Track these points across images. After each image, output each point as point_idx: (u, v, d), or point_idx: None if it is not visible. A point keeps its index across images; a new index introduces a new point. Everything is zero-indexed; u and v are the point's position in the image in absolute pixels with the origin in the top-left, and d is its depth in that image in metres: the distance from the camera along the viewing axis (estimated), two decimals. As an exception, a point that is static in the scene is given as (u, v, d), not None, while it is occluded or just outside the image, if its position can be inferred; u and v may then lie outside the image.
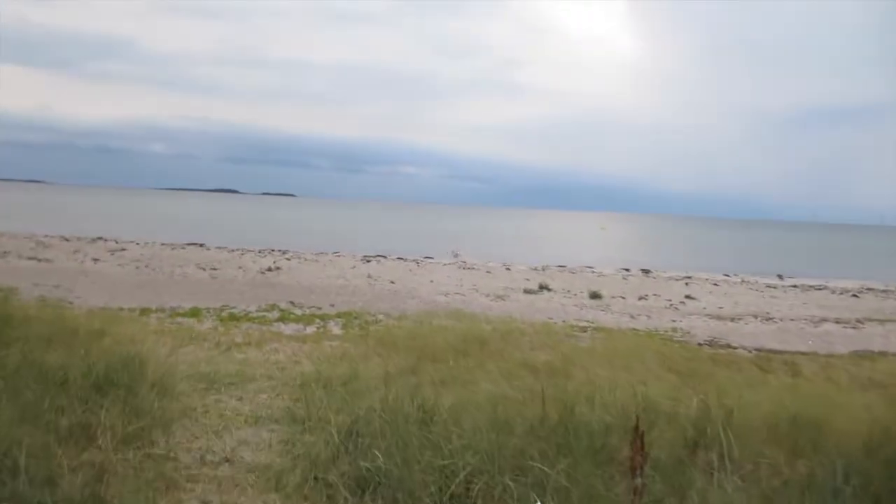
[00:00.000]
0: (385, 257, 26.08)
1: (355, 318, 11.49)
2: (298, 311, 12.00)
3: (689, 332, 12.16)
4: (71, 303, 11.77)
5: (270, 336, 8.70)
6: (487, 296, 16.44)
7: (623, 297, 17.55)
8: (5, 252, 19.93)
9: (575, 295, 17.57)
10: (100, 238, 27.67)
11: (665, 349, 9.24)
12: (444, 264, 23.96)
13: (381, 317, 11.82)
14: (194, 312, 10.99)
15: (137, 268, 18.33)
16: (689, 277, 23.71)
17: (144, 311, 10.91)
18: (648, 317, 14.20)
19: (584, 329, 11.60)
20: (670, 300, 17.28)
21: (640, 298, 17.52)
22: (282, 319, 10.79)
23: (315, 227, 54.92)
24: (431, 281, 18.70)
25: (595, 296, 17.19)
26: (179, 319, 10.14)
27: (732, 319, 14.44)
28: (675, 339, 11.27)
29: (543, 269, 23.51)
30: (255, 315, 11.27)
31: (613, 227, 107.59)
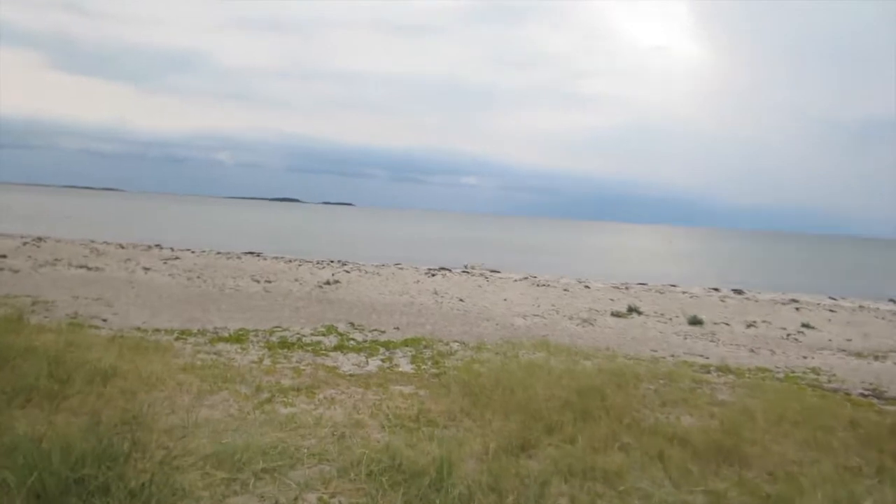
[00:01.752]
0: (450, 270, 24.26)
1: (425, 346, 9.65)
2: (359, 337, 10.24)
3: (834, 375, 9.81)
4: (105, 320, 10.41)
5: (325, 375, 6.91)
6: (571, 319, 14.36)
7: (727, 324, 15.17)
8: (57, 259, 19.07)
9: (670, 320, 15.30)
10: (156, 245, 26.88)
11: (835, 407, 7.01)
12: (515, 280, 21.93)
13: (454, 345, 9.96)
14: (239, 337, 9.36)
15: (189, 278, 17.06)
16: (796, 301, 20.93)
17: (183, 334, 9.36)
18: (772, 352, 11.83)
19: (706, 369, 9.42)
20: (785, 329, 14.79)
21: (749, 326, 15.09)
22: (340, 348, 9.02)
23: (374, 237, 53.80)
24: (505, 299, 16.73)
25: (695, 321, 14.88)
26: (220, 346, 8.50)
27: (876, 357, 11.91)
28: (822, 385, 8.95)
29: (626, 288, 21.19)
30: (308, 340, 9.57)
31: (679, 240, 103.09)
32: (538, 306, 15.96)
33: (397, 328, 11.54)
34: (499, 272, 25.34)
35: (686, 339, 12.84)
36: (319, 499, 3.51)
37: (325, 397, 5.81)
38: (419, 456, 4.03)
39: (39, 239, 25.33)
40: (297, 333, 10.20)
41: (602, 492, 3.85)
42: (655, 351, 11.17)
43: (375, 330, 11.11)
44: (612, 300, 18.01)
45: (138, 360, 6.43)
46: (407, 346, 9.60)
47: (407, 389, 6.41)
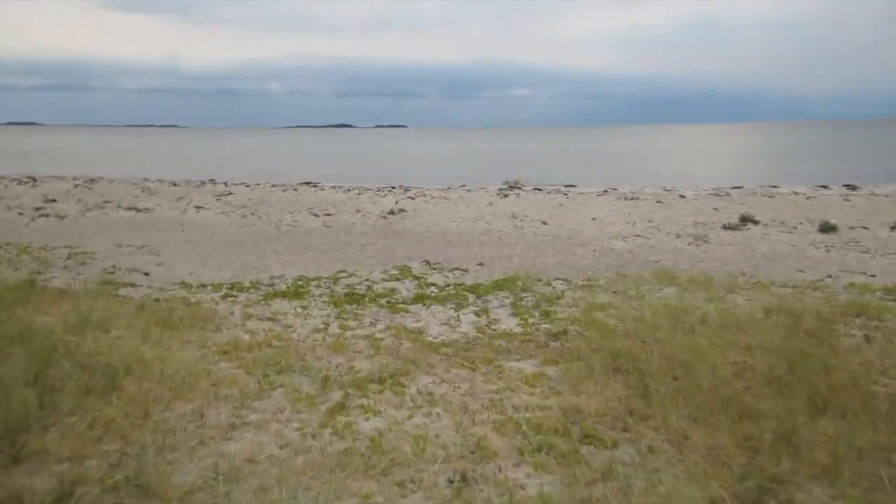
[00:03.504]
0: (521, 188, 22.11)
1: (522, 288, 7.83)
2: (439, 280, 8.50)
3: None
4: (146, 274, 9.02)
5: (411, 347, 5.20)
6: (678, 237, 12.21)
7: (865, 228, 12.76)
8: (106, 202, 17.96)
9: (795, 228, 12.97)
10: (211, 181, 25.66)
11: None
12: (597, 195, 19.66)
13: (557, 285, 8.11)
14: (298, 290, 7.75)
15: (243, 216, 15.63)
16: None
17: (233, 289, 7.83)
18: (950, 264, 9.50)
19: (891, 294, 7.28)
20: (942, 231, 12.25)
21: (895, 228, 12.62)
22: (420, 299, 7.28)
23: (432, 158, 51.65)
24: (594, 219, 14.62)
25: (827, 228, 12.51)
26: (276, 305, 6.90)
27: None
28: None
29: (727, 195, 18.64)
30: (381, 289, 7.89)
31: (753, 137, 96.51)
32: (634, 224, 13.82)
33: (481, 264, 9.75)
34: (574, 186, 23.05)
35: (829, 251, 10.58)
36: None
37: (419, 392, 4.08)
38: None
39: (92, 180, 24.44)
40: (366, 279, 8.53)
41: None
42: (803, 271, 9.04)
43: (456, 269, 9.35)
44: (715, 209, 15.65)
45: (167, 342, 4.85)
46: (500, 289, 7.79)
47: (528, 367, 4.61)
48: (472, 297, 7.39)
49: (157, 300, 6.81)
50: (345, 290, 7.87)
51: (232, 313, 6.44)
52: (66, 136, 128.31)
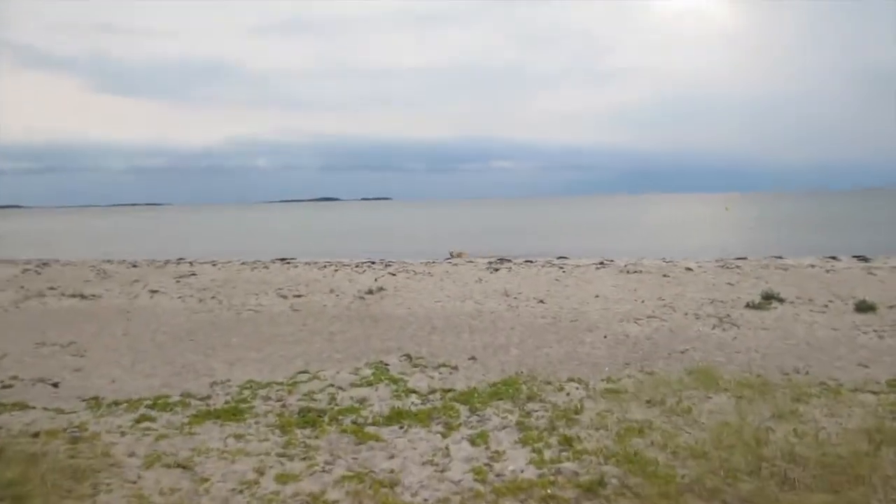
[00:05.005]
0: (510, 261, 20.54)
1: (528, 397, 6.10)
2: (422, 382, 6.77)
3: None
4: (55, 385, 7.31)
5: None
6: (698, 317, 10.57)
7: (907, 306, 11.21)
8: (50, 288, 16.04)
9: (826, 307, 11.38)
10: (178, 260, 23.91)
11: None
12: (596, 267, 18.09)
13: (572, 388, 6.40)
14: (238, 406, 5.97)
15: (201, 300, 13.84)
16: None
17: (154, 407, 6.05)
18: None
19: None
20: None
21: (939, 307, 11.09)
22: (397, 417, 5.51)
23: (417, 231, 50.34)
24: (596, 296, 12.98)
25: (865, 307, 10.94)
26: (202, 435, 5.10)
27: None
28: None
29: (737, 267, 17.12)
30: (346, 399, 6.14)
31: (734, 206, 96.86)
32: (643, 302, 12.19)
33: (473, 358, 8.03)
34: (567, 258, 21.58)
35: (882, 337, 8.97)
36: None
37: None
38: None
39: (44, 264, 22.57)
40: (331, 384, 6.77)
41: None
42: (866, 366, 7.38)
43: (443, 365, 7.61)
44: (730, 284, 14.10)
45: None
46: (499, 398, 6.05)
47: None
48: (464, 412, 5.64)
49: (35, 435, 4.98)
50: (301, 402, 6.10)
51: (132, 455, 4.62)
52: (44, 217, 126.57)
